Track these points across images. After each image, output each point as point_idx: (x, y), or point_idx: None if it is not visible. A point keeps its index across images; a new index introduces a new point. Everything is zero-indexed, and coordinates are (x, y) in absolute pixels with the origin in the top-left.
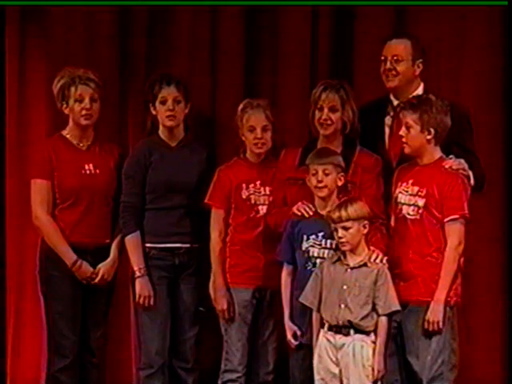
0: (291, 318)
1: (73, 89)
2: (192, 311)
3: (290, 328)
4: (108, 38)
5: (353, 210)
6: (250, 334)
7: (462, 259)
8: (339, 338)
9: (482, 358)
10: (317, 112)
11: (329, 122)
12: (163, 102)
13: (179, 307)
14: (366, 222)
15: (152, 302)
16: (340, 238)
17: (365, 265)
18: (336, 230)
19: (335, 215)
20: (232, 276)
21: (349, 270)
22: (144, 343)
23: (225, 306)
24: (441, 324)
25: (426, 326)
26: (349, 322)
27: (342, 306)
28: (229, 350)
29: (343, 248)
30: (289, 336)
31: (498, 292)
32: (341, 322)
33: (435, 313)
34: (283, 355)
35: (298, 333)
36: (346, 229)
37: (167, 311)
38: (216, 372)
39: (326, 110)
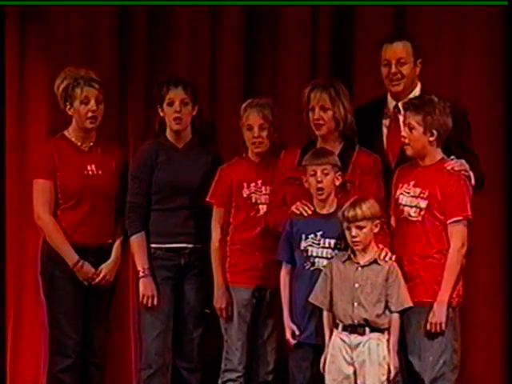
0: (290, 317)
1: (78, 90)
2: (197, 311)
3: (288, 327)
4: (108, 37)
5: (367, 208)
6: (250, 334)
7: (464, 260)
8: (354, 338)
9: (482, 358)
10: (310, 113)
11: (321, 122)
12: (170, 104)
13: (184, 307)
14: (377, 221)
15: (155, 302)
16: (354, 237)
17: (375, 262)
18: (349, 228)
19: (350, 214)
20: (232, 275)
21: (359, 268)
22: (145, 343)
23: (223, 305)
24: (443, 326)
25: (428, 327)
26: (364, 320)
27: (356, 304)
28: (229, 350)
29: (356, 248)
30: (288, 335)
31: (497, 292)
32: (356, 321)
33: (438, 314)
34: (283, 355)
35: (297, 332)
36: (360, 228)
37: (170, 311)
38: (217, 372)
39: (317, 110)
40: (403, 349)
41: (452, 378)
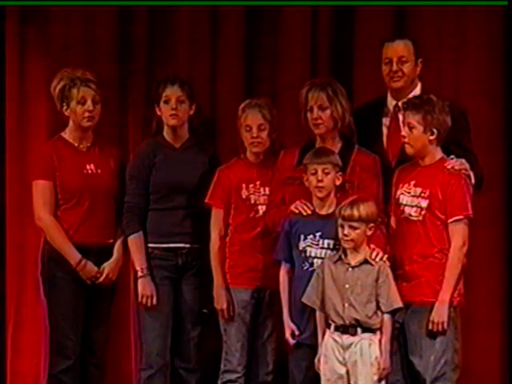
0: (290, 317)
1: (74, 91)
2: (194, 311)
3: (288, 326)
4: (108, 37)
5: (364, 210)
6: (250, 335)
7: (465, 259)
8: (346, 338)
9: (482, 358)
10: (309, 113)
11: (319, 121)
12: (167, 102)
13: (182, 307)
14: (372, 224)
15: (154, 302)
16: (345, 235)
17: (365, 262)
18: (342, 226)
19: (346, 213)
20: (231, 277)
21: (350, 268)
22: (145, 344)
23: (224, 306)
24: (445, 325)
25: (430, 326)
26: (355, 320)
27: (346, 304)
28: (228, 351)
29: (345, 245)
30: (287, 334)
31: (498, 292)
32: (347, 322)
33: (440, 313)
34: (283, 355)
35: (296, 332)
36: (353, 228)
37: (169, 311)
38: (217, 373)
39: (315, 110)
40: (404, 348)
41: (453, 377)
